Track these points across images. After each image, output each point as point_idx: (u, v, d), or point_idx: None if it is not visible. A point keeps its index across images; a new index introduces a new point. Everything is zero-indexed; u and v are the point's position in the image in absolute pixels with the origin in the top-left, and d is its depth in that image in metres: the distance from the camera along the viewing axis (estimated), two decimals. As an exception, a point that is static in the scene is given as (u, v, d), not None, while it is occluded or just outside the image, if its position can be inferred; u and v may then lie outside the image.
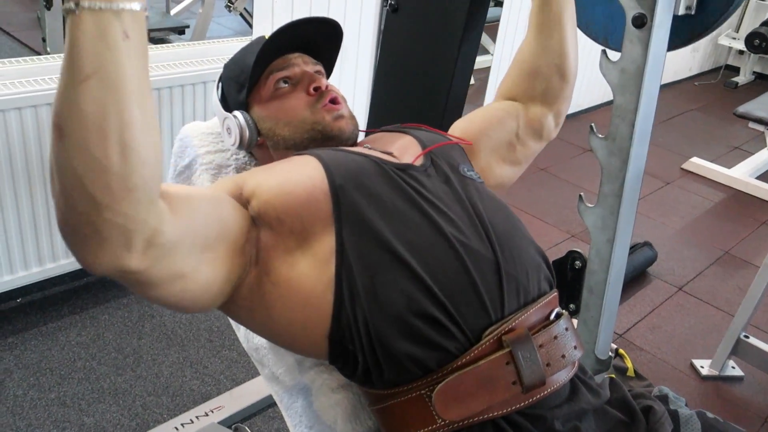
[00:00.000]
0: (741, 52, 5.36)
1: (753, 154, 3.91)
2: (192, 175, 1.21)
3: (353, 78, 2.57)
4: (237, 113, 1.07)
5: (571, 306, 1.29)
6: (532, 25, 1.14)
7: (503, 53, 3.40)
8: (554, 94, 1.15)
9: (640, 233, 2.89)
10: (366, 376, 0.85)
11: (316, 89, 1.05)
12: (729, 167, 3.65)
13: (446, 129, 1.16)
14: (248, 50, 1.10)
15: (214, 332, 2.12)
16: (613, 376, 1.03)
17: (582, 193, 1.25)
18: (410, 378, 0.83)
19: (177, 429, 1.74)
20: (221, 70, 1.15)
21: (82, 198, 0.63)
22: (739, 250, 2.94)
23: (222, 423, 1.77)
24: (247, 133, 1.07)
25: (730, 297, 2.59)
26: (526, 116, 1.15)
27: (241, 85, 1.08)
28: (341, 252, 0.84)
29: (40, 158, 1.87)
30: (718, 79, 5.35)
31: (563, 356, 0.86)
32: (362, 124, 1.28)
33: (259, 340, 1.07)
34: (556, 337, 0.86)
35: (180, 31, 3.95)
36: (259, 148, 1.11)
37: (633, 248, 2.63)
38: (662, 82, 1.22)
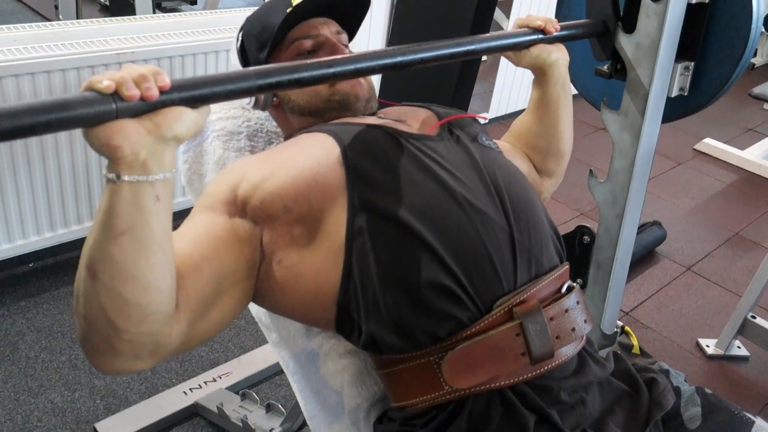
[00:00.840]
0: (758, 33, 5.28)
1: (767, 136, 3.87)
2: (204, 141, 1.21)
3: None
4: None
5: (578, 281, 1.30)
6: (530, 110, 1.19)
7: (517, 29, 3.35)
8: (548, 171, 1.22)
9: (651, 213, 2.88)
10: (373, 344, 0.86)
11: None
12: (742, 149, 3.61)
13: (456, 106, 1.16)
14: (272, 7, 1.08)
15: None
16: (618, 351, 1.03)
17: (592, 169, 1.25)
18: (418, 346, 0.83)
19: (186, 393, 1.76)
20: (243, 22, 1.12)
21: (105, 324, 0.70)
22: (750, 232, 2.93)
23: (230, 389, 1.80)
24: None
25: (739, 278, 2.58)
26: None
27: (262, 44, 1.07)
28: (351, 222, 0.84)
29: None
30: (735, 60, 5.27)
31: (573, 329, 0.86)
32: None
33: (268, 306, 1.08)
34: (567, 311, 0.86)
35: (192, 1, 3.93)
36: (275, 109, 1.11)
37: (642, 227, 2.62)
38: (678, 61, 1.21)
